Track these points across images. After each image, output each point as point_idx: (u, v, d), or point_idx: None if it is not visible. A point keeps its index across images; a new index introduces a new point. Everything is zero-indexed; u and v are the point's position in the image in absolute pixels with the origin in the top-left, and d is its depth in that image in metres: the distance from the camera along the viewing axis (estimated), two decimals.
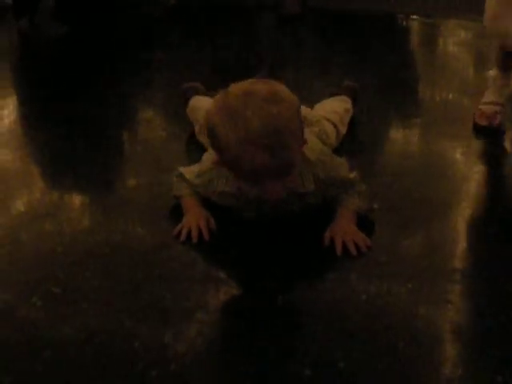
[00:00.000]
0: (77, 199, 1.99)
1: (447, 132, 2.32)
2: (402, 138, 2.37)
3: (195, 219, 1.76)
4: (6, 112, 2.66)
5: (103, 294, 1.54)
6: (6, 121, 2.59)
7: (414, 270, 1.61)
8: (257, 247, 1.72)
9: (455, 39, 3.42)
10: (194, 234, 1.73)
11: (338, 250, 1.66)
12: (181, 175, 1.86)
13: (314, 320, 1.46)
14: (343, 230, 1.70)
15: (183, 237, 1.73)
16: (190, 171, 1.85)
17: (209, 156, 1.78)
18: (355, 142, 2.25)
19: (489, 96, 2.39)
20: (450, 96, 2.66)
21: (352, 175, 1.79)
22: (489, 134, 2.29)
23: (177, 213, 1.82)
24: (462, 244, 1.73)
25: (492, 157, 2.18)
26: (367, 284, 1.56)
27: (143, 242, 1.75)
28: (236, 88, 1.56)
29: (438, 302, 1.50)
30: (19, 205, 1.95)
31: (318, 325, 1.45)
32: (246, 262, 1.67)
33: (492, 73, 2.43)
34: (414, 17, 3.74)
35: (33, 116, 2.65)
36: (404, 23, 3.67)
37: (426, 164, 2.13)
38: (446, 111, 2.52)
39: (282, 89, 1.56)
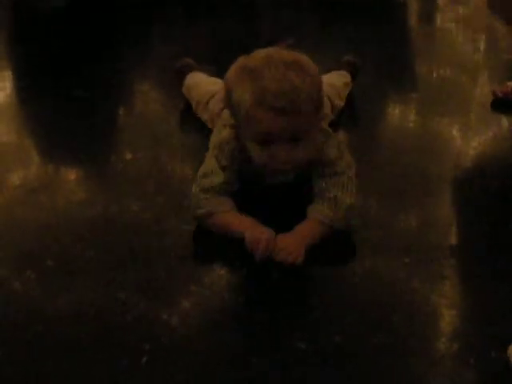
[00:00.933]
0: (72, 172, 1.98)
1: (444, 108, 2.31)
2: (398, 113, 2.37)
3: (264, 232, 1.57)
4: (1, 85, 2.64)
5: (97, 268, 1.54)
6: (2, 94, 2.57)
7: (409, 246, 1.61)
8: None
9: (453, 15, 3.40)
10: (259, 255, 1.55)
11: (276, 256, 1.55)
12: (203, 184, 1.65)
13: (309, 295, 1.47)
14: (287, 246, 1.56)
15: (259, 259, 1.55)
16: (207, 166, 1.68)
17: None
18: (352, 116, 2.25)
19: None
20: (448, 72, 2.65)
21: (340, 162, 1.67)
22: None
23: (173, 187, 1.81)
24: (457, 220, 1.73)
25: (488, 133, 2.18)
26: (362, 259, 1.56)
27: (138, 215, 1.74)
28: (258, 52, 1.56)
29: (433, 277, 1.51)
30: (14, 178, 1.94)
31: (313, 299, 1.45)
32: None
33: None
34: None
35: (27, 90, 2.63)
36: None
37: (423, 140, 2.13)
38: (443, 87, 2.51)
39: (305, 59, 1.55)
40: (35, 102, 2.47)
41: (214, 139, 1.75)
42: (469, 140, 2.12)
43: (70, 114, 2.32)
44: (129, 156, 2.06)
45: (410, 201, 1.80)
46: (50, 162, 2.07)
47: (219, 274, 1.54)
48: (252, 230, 1.57)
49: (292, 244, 1.56)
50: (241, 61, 1.57)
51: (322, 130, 1.65)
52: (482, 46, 2.98)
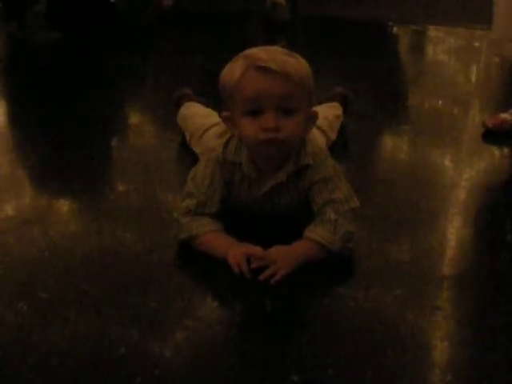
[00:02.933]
0: (65, 204, 1.98)
1: (436, 139, 2.33)
2: (391, 145, 2.38)
3: (248, 252, 1.60)
4: None
5: (91, 300, 1.54)
6: None
7: (402, 277, 1.61)
8: None
9: (444, 47, 3.43)
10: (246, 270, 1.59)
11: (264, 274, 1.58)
12: (182, 208, 1.69)
13: (302, 327, 1.46)
14: (279, 259, 1.59)
15: (248, 274, 1.57)
16: (185, 190, 1.71)
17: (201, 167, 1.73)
18: (344, 148, 2.26)
19: None
20: (440, 104, 2.67)
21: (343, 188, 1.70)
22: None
23: (165, 218, 1.81)
24: (449, 251, 1.73)
25: (480, 165, 2.19)
26: (355, 291, 1.56)
27: (131, 247, 1.74)
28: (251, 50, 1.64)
29: (426, 308, 1.50)
30: (7, 209, 1.94)
31: (306, 331, 1.44)
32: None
33: None
34: (403, 24, 3.75)
35: (22, 120, 2.64)
36: (393, 30, 3.69)
37: (415, 171, 2.14)
38: (435, 119, 2.53)
39: (299, 56, 1.64)
40: (28, 134, 2.48)
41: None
42: (461, 171, 2.13)
43: (63, 145, 2.33)
44: (122, 188, 2.06)
45: (401, 232, 1.80)
46: (43, 193, 2.07)
47: (212, 307, 1.53)
48: (234, 249, 1.60)
49: (284, 258, 1.59)
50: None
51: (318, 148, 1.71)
52: (473, 77, 3.01)
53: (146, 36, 3.62)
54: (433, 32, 3.65)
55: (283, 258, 1.59)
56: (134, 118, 2.65)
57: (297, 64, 1.59)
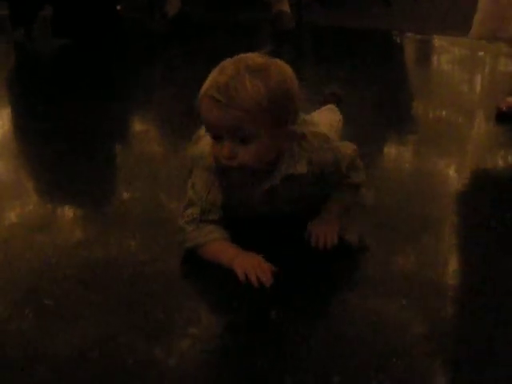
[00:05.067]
0: (71, 212, 1.99)
1: (441, 148, 2.33)
2: (395, 154, 2.38)
3: (254, 261, 1.63)
4: (1, 124, 2.66)
5: (96, 308, 1.54)
6: (1, 133, 2.59)
7: (407, 287, 1.61)
8: None
9: (449, 56, 3.44)
10: (254, 279, 1.60)
11: (312, 242, 1.74)
12: (186, 216, 1.70)
13: (309, 336, 1.46)
14: (321, 227, 1.76)
15: (256, 283, 1.58)
16: (187, 197, 1.72)
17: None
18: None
19: None
20: (444, 113, 2.67)
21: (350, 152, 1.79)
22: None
23: (171, 227, 1.81)
24: (454, 260, 1.74)
25: (484, 173, 2.19)
26: (361, 300, 1.56)
27: (137, 256, 1.74)
28: (238, 56, 1.62)
29: (431, 318, 1.50)
30: (12, 216, 1.95)
31: (313, 340, 1.44)
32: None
33: None
34: (409, 34, 3.76)
35: (28, 128, 2.65)
36: (398, 40, 3.69)
37: (420, 180, 2.14)
38: (439, 128, 2.53)
39: (276, 68, 1.58)
40: (34, 141, 2.49)
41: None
42: (466, 180, 2.13)
43: (69, 153, 2.34)
44: (128, 196, 2.07)
45: (406, 241, 1.80)
46: (48, 201, 2.08)
47: (218, 316, 1.54)
48: (239, 259, 1.63)
49: (327, 231, 1.75)
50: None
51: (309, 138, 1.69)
52: (477, 87, 3.01)
53: (153, 45, 3.63)
54: (437, 41, 3.65)
55: (327, 232, 1.74)
56: (140, 127, 2.66)
57: (253, 90, 1.52)
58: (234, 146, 1.57)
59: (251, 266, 1.61)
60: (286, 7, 3.78)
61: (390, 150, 2.42)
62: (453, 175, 2.17)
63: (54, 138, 2.47)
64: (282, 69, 1.60)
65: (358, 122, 2.43)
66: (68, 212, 1.99)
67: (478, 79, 3.12)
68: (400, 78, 3.20)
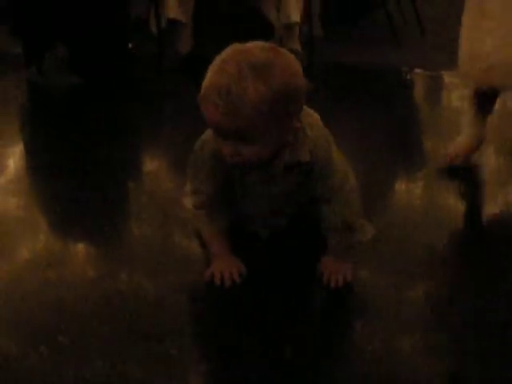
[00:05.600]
0: (83, 248, 2.00)
1: (451, 184, 2.33)
2: (405, 189, 2.39)
3: (227, 266, 1.77)
4: (14, 160, 2.68)
5: (110, 345, 1.55)
6: (14, 169, 2.61)
7: (416, 321, 1.61)
8: (261, 300, 1.73)
9: (459, 93, 3.45)
10: (227, 279, 1.75)
11: (324, 280, 1.75)
12: (195, 200, 1.79)
13: (322, 372, 1.46)
14: (333, 264, 1.77)
15: (218, 280, 1.75)
16: (193, 182, 1.78)
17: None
18: (360, 192, 2.26)
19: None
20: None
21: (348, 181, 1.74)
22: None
23: (181, 265, 1.82)
24: (463, 294, 1.74)
25: (495, 208, 2.20)
26: (372, 335, 1.57)
27: (148, 292, 1.76)
28: (238, 45, 1.52)
29: (440, 352, 1.50)
30: (24, 252, 1.96)
31: (326, 378, 1.44)
32: (251, 314, 1.68)
33: (467, 118, 2.45)
34: (418, 70, 3.78)
35: (40, 165, 2.67)
36: (408, 76, 3.71)
37: (430, 215, 2.14)
38: (449, 163, 2.53)
39: (281, 63, 1.49)
40: (46, 178, 2.51)
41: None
42: (476, 215, 2.13)
43: (80, 189, 2.35)
44: (138, 232, 2.07)
45: (415, 275, 1.80)
46: (60, 237, 2.10)
47: (230, 352, 1.54)
48: (218, 262, 1.77)
49: (339, 269, 1.76)
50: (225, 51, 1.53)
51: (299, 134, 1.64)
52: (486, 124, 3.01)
53: (164, 82, 3.66)
54: (447, 78, 3.67)
55: (338, 265, 1.77)
56: (152, 164, 2.67)
57: (256, 96, 1.44)
58: (236, 145, 1.53)
59: (224, 269, 1.75)
60: (297, 45, 3.80)
61: (401, 186, 2.42)
62: (463, 209, 2.18)
63: (66, 174, 2.48)
64: (288, 63, 1.51)
65: (367, 158, 2.44)
66: (80, 248, 2.00)
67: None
68: (409, 114, 3.21)
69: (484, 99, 2.35)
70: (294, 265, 1.81)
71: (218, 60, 1.50)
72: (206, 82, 1.50)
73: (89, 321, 1.63)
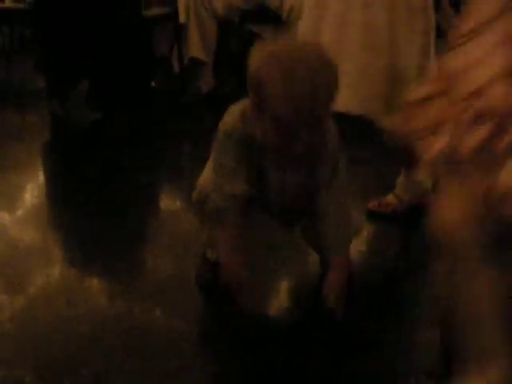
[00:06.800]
0: (103, 284, 2.00)
1: None
2: None
3: (232, 276, 1.77)
4: (33, 190, 2.70)
5: (136, 381, 1.56)
6: (32, 198, 2.63)
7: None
8: (268, 337, 1.75)
9: None
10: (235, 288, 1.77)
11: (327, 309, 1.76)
12: (226, 190, 1.76)
13: None
14: (336, 287, 1.78)
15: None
16: (223, 173, 1.77)
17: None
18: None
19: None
20: None
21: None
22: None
23: (200, 304, 1.84)
24: None
25: None
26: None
27: (168, 326, 1.78)
28: (286, 50, 1.58)
29: None
30: (38, 282, 1.98)
31: None
32: (263, 349, 1.69)
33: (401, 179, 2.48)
34: None
35: (59, 196, 2.69)
36: None
37: None
38: None
39: (327, 62, 1.57)
40: (64, 211, 2.53)
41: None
42: None
43: (99, 223, 2.38)
44: (159, 270, 2.08)
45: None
46: (73, 268, 2.11)
47: (248, 377, 1.58)
48: (226, 271, 1.76)
49: (342, 295, 1.78)
50: (270, 55, 1.56)
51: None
52: None
53: (185, 120, 3.69)
54: None
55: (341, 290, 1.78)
56: (173, 200, 2.68)
57: (326, 99, 1.56)
58: (310, 131, 1.57)
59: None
60: None
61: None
62: None
63: (87, 209, 2.50)
64: (326, 56, 1.59)
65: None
66: (99, 284, 2.00)
67: None
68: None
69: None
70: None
71: (283, 68, 1.53)
72: (284, 94, 1.52)
73: (112, 355, 1.64)
